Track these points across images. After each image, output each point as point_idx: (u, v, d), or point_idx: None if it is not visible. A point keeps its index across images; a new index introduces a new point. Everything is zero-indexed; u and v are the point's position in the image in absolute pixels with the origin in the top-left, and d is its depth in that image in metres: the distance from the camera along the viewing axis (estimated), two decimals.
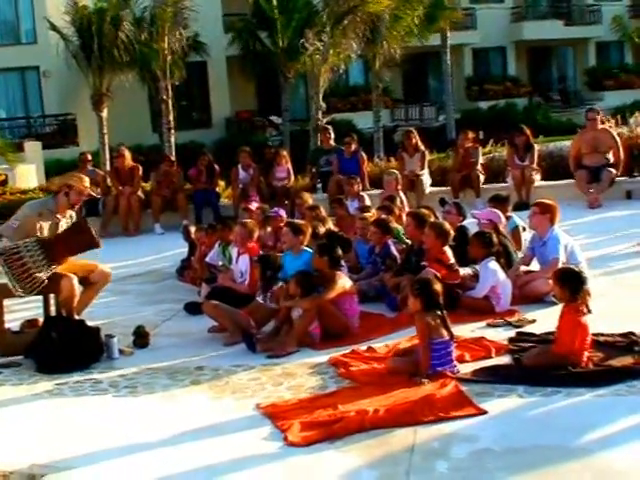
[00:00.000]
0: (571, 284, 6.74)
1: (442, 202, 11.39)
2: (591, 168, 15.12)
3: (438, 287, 6.94)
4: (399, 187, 14.20)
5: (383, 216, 10.46)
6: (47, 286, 8.25)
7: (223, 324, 8.53)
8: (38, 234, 8.33)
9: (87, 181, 8.88)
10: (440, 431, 5.77)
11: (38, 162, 24.85)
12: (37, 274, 8.09)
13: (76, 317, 8.52)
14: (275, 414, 6.25)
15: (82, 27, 26.88)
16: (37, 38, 33.39)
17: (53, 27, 27.63)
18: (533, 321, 8.26)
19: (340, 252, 8.53)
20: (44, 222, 8.50)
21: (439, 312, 6.84)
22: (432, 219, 9.82)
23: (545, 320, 7.90)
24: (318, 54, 24.70)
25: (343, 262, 9.03)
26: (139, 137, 31.25)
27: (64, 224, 8.66)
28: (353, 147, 16.27)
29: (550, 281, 7.67)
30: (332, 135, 16.95)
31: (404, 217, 10.83)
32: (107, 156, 25.78)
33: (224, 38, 34.96)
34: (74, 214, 8.94)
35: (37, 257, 8.12)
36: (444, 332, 6.77)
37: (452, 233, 9.18)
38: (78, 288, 8.53)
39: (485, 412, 6.02)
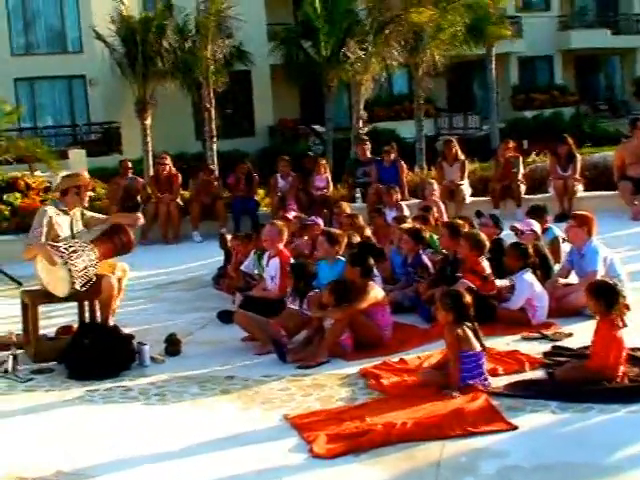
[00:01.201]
0: (606, 297, 6.61)
1: (478, 214, 11.28)
2: (635, 179, 14.90)
3: (468, 299, 6.83)
4: (437, 196, 14.11)
5: (416, 225, 10.37)
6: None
7: (254, 334, 8.49)
8: (60, 233, 8.50)
9: (87, 174, 9.30)
10: (468, 446, 5.67)
11: (82, 169, 25.03)
12: (92, 270, 8.33)
13: (111, 322, 8.58)
14: (302, 425, 6.19)
15: (127, 36, 27.12)
16: (83, 47, 33.68)
17: (99, 36, 27.87)
18: (570, 334, 8.14)
19: (372, 262, 8.45)
20: (61, 221, 8.70)
21: (470, 324, 6.74)
22: (467, 229, 9.72)
23: (582, 334, 7.74)
24: (360, 63, 24.67)
25: (377, 272, 8.96)
26: (182, 145, 31.37)
27: (78, 221, 8.87)
28: (392, 156, 16.20)
29: None
30: (369, 146, 16.91)
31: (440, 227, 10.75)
32: (150, 164, 25.89)
33: (268, 47, 35.03)
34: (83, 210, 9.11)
35: (89, 255, 8.36)
36: (475, 344, 6.67)
37: (487, 244, 9.08)
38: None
39: (516, 427, 5.91)
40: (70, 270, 8.16)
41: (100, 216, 9.21)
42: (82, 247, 8.39)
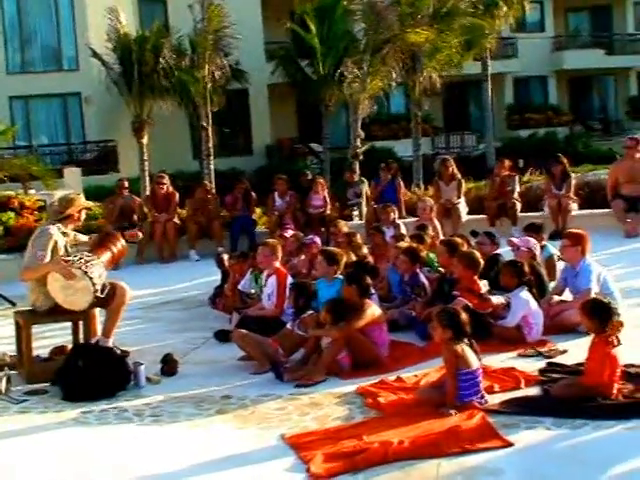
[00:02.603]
0: (600, 315, 6.63)
1: (474, 234, 11.31)
2: (628, 197, 14.98)
3: (465, 317, 6.85)
4: (433, 215, 14.13)
5: (413, 245, 10.38)
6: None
7: (251, 353, 8.46)
8: (60, 253, 8.53)
9: (82, 196, 9.34)
10: (464, 464, 5.66)
11: (77, 188, 24.89)
12: (104, 276, 8.49)
13: (111, 342, 8.57)
14: (299, 444, 6.18)
15: (123, 54, 27.12)
16: (79, 65, 33.65)
17: (95, 54, 27.88)
18: (564, 351, 8.17)
19: (369, 280, 8.45)
20: (61, 243, 8.67)
21: (467, 341, 6.75)
22: (465, 247, 9.74)
23: (577, 351, 7.76)
24: (357, 82, 24.72)
25: (374, 290, 8.96)
26: (179, 164, 31.33)
27: (69, 241, 8.91)
28: (391, 173, 16.34)
29: None
30: (357, 173, 17.22)
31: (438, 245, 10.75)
32: (147, 183, 25.85)
33: (265, 66, 35.08)
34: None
35: (98, 263, 8.48)
36: (472, 362, 6.67)
37: (482, 262, 9.10)
38: None
39: (511, 444, 5.91)
40: (91, 278, 8.24)
41: (81, 238, 9.25)
42: (89, 257, 8.48)
